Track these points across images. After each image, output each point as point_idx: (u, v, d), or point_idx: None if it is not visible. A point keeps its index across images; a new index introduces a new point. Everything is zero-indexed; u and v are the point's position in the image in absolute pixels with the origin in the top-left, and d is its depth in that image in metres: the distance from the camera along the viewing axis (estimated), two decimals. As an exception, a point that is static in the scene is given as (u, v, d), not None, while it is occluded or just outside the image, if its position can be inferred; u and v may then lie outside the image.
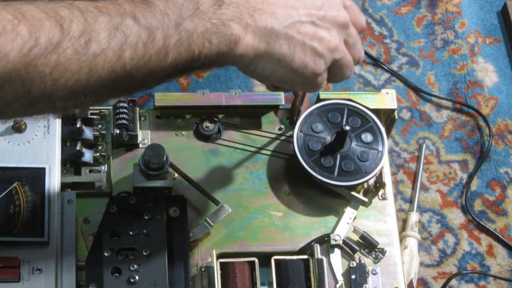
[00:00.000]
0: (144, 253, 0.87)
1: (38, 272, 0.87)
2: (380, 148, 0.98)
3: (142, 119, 1.01)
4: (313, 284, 0.92)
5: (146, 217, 0.89)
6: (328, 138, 0.98)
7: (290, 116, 1.03)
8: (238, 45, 0.74)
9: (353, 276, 0.93)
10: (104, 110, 1.00)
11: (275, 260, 0.92)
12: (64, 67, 0.64)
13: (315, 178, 0.96)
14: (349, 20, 0.79)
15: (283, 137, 1.02)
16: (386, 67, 1.47)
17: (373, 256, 0.96)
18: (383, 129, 1.00)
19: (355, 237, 0.97)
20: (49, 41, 0.63)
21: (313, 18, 0.77)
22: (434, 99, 1.45)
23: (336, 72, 0.81)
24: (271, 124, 1.03)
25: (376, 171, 0.97)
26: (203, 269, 0.91)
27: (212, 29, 0.71)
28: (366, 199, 0.98)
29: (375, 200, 1.00)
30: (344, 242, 0.96)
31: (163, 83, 0.74)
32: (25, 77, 0.63)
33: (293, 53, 0.76)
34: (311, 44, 0.77)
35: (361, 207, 0.98)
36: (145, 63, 0.69)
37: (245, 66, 0.77)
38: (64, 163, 0.95)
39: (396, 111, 1.04)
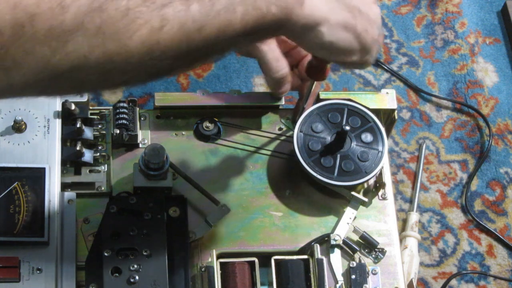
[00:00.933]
0: (144, 253, 0.87)
1: (38, 272, 0.87)
2: (380, 148, 0.98)
3: (142, 119, 1.01)
4: (313, 284, 0.92)
5: (146, 217, 0.89)
6: (328, 138, 0.98)
7: (293, 116, 1.03)
8: (304, 4, 0.73)
9: (353, 276, 0.93)
10: (104, 110, 1.00)
11: (275, 260, 0.92)
12: (131, 17, 0.62)
13: (315, 178, 0.96)
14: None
15: (283, 137, 1.02)
16: (386, 67, 1.47)
17: (373, 256, 0.96)
18: (383, 129, 1.00)
19: (355, 237, 0.97)
20: None
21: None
22: (434, 99, 1.45)
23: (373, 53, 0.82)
24: (271, 124, 1.03)
25: (376, 171, 0.97)
26: (203, 269, 0.91)
27: None
28: (366, 199, 0.98)
29: (375, 200, 1.00)
30: (344, 242, 0.96)
31: (234, 52, 0.73)
32: (98, 23, 0.61)
33: (355, 17, 0.77)
34: (366, 11, 0.78)
35: (361, 207, 0.98)
36: (214, 16, 0.67)
37: (309, 29, 0.75)
38: (64, 163, 0.95)
39: (396, 111, 1.04)
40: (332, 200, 0.99)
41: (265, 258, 0.93)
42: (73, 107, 0.96)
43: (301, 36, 0.76)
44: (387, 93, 1.04)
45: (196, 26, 0.66)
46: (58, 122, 0.96)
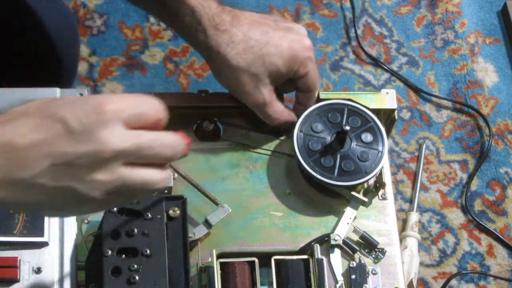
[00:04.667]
0: (144, 253, 0.87)
1: (38, 272, 0.87)
2: (380, 148, 0.98)
3: (142, 119, 1.01)
4: (313, 284, 0.92)
5: (146, 217, 0.89)
6: (328, 138, 0.98)
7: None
8: None
9: (353, 276, 0.93)
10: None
11: (275, 260, 0.92)
12: None
13: (315, 178, 0.96)
14: None
15: (283, 137, 1.02)
16: (386, 67, 1.47)
17: (373, 256, 0.96)
18: (383, 129, 0.99)
19: (355, 237, 0.97)
20: None
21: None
22: (434, 99, 1.45)
23: None
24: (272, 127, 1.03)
25: (376, 171, 0.97)
26: (203, 269, 0.91)
27: None
28: (366, 199, 0.98)
29: (375, 200, 1.00)
30: (344, 242, 0.96)
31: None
32: None
33: None
34: None
35: (361, 207, 0.98)
36: None
37: None
38: (64, 163, 0.95)
39: (396, 111, 1.04)
40: (332, 200, 0.99)
41: (265, 258, 0.93)
42: (73, 107, 0.96)
43: None
44: (387, 93, 1.04)
45: None
46: (58, 122, 0.96)
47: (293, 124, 0.98)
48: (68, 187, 0.64)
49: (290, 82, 0.99)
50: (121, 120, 0.65)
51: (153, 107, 0.69)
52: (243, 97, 0.97)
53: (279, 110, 0.98)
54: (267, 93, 0.96)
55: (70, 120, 0.63)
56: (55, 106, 0.65)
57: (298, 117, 0.99)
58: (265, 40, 0.95)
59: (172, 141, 0.69)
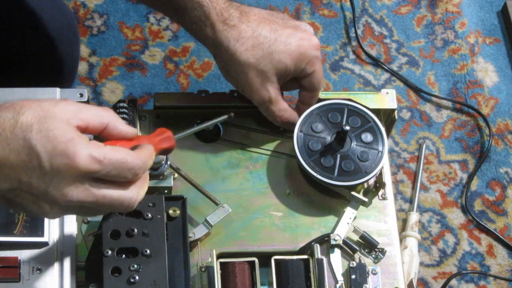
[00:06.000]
0: (144, 253, 0.87)
1: (38, 272, 0.87)
2: (380, 148, 0.98)
3: (142, 119, 1.01)
4: (313, 284, 0.92)
5: (146, 217, 0.89)
6: (328, 138, 0.98)
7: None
8: None
9: (353, 276, 0.93)
10: (104, 110, 1.00)
11: (275, 260, 0.92)
12: None
13: (315, 178, 0.96)
14: None
15: (283, 137, 1.02)
16: (386, 67, 1.47)
17: (373, 256, 0.96)
18: (383, 129, 1.00)
19: (355, 237, 0.97)
20: None
21: None
22: (434, 99, 1.45)
23: None
24: (271, 124, 1.03)
25: (376, 171, 0.97)
26: (203, 269, 0.91)
27: None
28: (366, 199, 0.98)
29: (375, 200, 1.00)
30: (344, 242, 0.96)
31: None
32: None
33: None
34: None
35: (361, 207, 0.98)
36: None
37: None
38: (64, 163, 0.95)
39: (396, 111, 1.04)
40: (332, 200, 0.99)
41: (265, 258, 0.93)
42: (73, 107, 0.96)
43: None
44: (387, 93, 1.04)
45: None
46: (58, 122, 0.96)
47: (294, 124, 0.98)
48: (27, 205, 0.73)
49: (294, 81, 0.99)
50: (89, 179, 0.73)
51: (136, 167, 0.75)
52: (249, 93, 0.97)
53: (283, 108, 0.98)
54: (273, 90, 0.96)
55: (43, 160, 0.70)
56: (35, 136, 0.71)
57: (300, 116, 0.99)
58: (274, 37, 0.95)
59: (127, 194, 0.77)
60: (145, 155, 0.77)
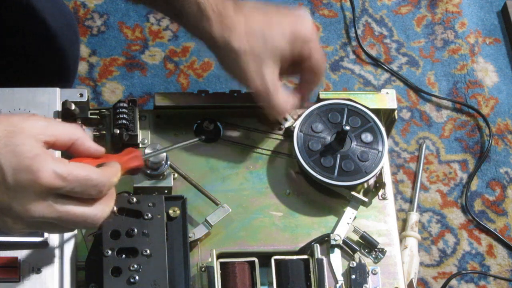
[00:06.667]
0: (144, 253, 0.87)
1: (38, 272, 0.87)
2: (380, 148, 0.98)
3: (142, 119, 1.01)
4: (313, 284, 0.92)
5: (146, 217, 0.89)
6: (328, 138, 0.98)
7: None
8: None
9: (353, 276, 0.93)
10: (104, 110, 1.00)
11: (275, 260, 0.92)
12: None
13: (315, 178, 0.96)
14: None
15: (283, 137, 1.02)
16: (386, 67, 1.48)
17: (373, 256, 0.96)
18: (383, 129, 1.00)
19: (355, 237, 0.97)
20: None
21: None
22: (434, 99, 1.45)
23: None
24: (271, 124, 1.03)
25: (376, 171, 0.97)
26: (203, 269, 0.91)
27: None
28: (366, 199, 0.98)
29: (375, 200, 1.00)
30: (344, 242, 0.96)
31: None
32: None
33: None
34: None
35: (361, 207, 0.98)
36: None
37: None
38: (64, 163, 0.95)
39: (396, 111, 1.04)
40: (332, 200, 0.99)
41: (265, 258, 0.93)
42: (73, 107, 0.96)
43: None
44: (387, 93, 1.04)
45: None
46: (58, 122, 0.96)
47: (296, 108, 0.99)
48: None
49: (295, 66, 0.99)
50: (53, 195, 0.73)
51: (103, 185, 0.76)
52: (247, 82, 0.96)
53: (284, 100, 0.97)
54: (270, 76, 0.95)
55: (7, 175, 0.71)
56: (1, 151, 0.71)
57: (300, 106, 0.99)
58: (268, 23, 0.95)
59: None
60: (110, 172, 0.77)
